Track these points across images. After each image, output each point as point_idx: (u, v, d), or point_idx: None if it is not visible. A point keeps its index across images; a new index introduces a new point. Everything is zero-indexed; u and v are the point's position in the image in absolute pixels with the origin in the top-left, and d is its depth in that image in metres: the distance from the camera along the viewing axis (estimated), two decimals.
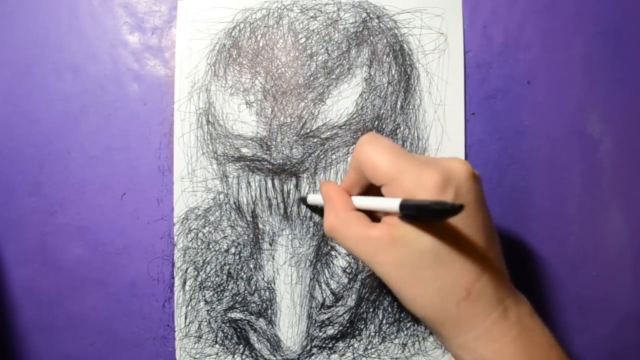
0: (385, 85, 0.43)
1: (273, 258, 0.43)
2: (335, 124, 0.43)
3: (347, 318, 0.43)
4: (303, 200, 0.42)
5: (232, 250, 0.43)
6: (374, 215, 0.32)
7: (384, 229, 0.29)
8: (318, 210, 0.43)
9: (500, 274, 0.29)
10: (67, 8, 0.44)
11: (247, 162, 0.43)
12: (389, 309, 0.43)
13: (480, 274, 0.28)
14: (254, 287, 0.43)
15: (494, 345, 0.28)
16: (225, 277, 0.43)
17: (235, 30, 0.44)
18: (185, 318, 0.43)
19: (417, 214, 0.26)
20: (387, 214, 0.30)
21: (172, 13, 0.44)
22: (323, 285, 0.43)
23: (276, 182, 0.43)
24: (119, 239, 0.44)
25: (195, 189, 0.43)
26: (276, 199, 0.43)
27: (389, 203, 0.28)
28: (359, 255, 0.30)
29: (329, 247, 0.43)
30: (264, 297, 0.43)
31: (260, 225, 0.43)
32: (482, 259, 0.28)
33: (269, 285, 0.43)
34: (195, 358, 0.43)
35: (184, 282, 0.43)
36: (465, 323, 0.28)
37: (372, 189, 0.32)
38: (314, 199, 0.40)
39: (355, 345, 0.43)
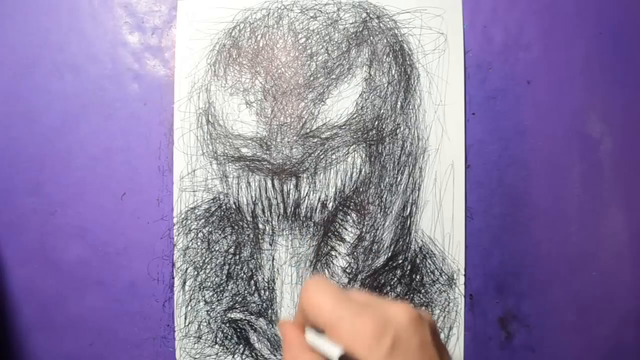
0: (385, 85, 0.43)
1: (273, 258, 0.43)
2: (335, 124, 0.43)
3: None
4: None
5: (232, 250, 0.43)
6: None
7: None
8: None
9: None
10: (67, 8, 0.44)
11: (247, 162, 0.43)
12: None
13: None
14: (254, 287, 0.43)
15: None
16: (225, 277, 0.43)
17: (235, 30, 0.44)
18: (185, 318, 0.43)
19: None
20: None
21: (172, 13, 0.44)
22: None
23: (276, 182, 0.43)
24: (119, 239, 0.44)
25: (195, 189, 0.43)
26: (276, 199, 0.43)
27: (331, 352, 0.27)
28: None
29: (329, 247, 0.43)
30: (264, 297, 0.43)
31: (260, 225, 0.43)
32: None
33: (269, 285, 0.43)
34: (195, 358, 0.43)
35: (184, 282, 0.43)
36: None
37: None
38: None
39: None
